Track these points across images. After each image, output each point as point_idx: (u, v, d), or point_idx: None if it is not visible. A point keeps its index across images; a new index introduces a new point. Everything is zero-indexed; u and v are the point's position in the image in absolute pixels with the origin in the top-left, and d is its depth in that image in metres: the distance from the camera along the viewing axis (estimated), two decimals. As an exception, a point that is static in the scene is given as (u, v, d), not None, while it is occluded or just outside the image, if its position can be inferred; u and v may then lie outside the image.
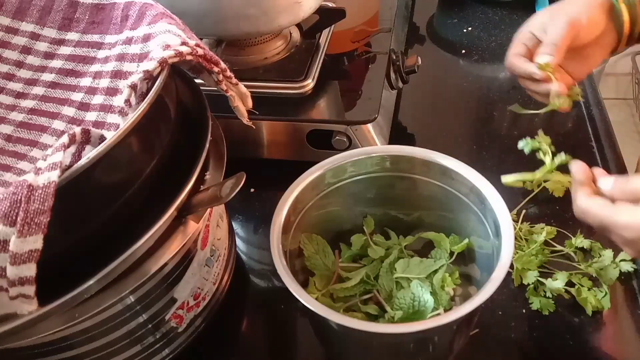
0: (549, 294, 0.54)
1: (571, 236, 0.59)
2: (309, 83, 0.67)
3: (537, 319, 0.53)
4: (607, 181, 0.45)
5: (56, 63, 0.48)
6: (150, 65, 0.37)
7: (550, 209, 0.62)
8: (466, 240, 0.51)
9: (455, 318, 0.39)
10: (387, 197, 0.55)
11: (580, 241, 0.58)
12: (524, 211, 0.61)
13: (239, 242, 0.62)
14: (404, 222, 0.56)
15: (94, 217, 0.36)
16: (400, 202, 0.55)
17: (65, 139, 0.32)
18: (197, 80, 0.48)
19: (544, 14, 0.58)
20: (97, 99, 0.45)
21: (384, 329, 0.41)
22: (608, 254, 0.56)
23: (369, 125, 0.64)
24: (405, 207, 0.55)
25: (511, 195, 0.64)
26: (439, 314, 0.47)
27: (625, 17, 0.55)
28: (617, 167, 0.67)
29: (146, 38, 0.43)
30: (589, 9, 0.55)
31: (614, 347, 0.51)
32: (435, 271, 0.51)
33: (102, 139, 0.34)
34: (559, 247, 0.58)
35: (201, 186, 0.43)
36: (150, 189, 0.40)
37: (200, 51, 0.40)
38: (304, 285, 0.52)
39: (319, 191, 0.52)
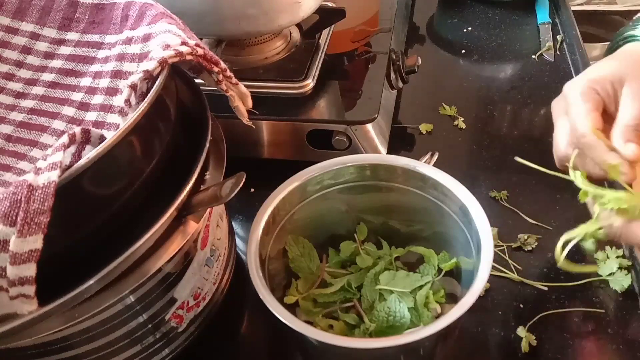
0: None
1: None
2: (309, 83, 0.67)
3: (538, 319, 0.53)
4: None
5: (56, 63, 0.48)
6: (150, 65, 0.37)
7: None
8: (454, 260, 0.51)
9: (409, 341, 0.39)
10: (385, 207, 0.54)
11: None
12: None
13: (239, 242, 0.62)
14: (401, 233, 0.56)
15: (94, 217, 0.36)
16: (398, 213, 0.55)
17: (65, 138, 0.32)
18: (197, 80, 0.48)
19: (605, 61, 0.46)
20: (97, 99, 0.45)
21: (336, 342, 0.40)
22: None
23: (369, 125, 0.64)
24: (402, 218, 0.55)
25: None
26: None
27: None
28: (617, 167, 0.67)
29: (146, 38, 0.43)
30: None
31: (614, 347, 0.51)
32: (421, 287, 0.50)
33: (102, 138, 0.34)
34: None
35: (201, 186, 0.43)
36: (150, 189, 0.40)
37: (200, 51, 0.40)
38: (289, 285, 0.52)
39: (312, 194, 0.52)
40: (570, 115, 0.44)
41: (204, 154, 0.42)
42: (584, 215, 0.62)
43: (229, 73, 0.44)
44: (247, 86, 0.46)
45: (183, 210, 0.40)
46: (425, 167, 0.50)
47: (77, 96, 0.46)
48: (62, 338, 0.39)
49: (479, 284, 0.41)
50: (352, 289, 0.52)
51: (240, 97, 0.46)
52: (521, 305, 0.54)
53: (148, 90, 0.38)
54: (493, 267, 0.53)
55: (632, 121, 0.42)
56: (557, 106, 0.47)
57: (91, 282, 0.34)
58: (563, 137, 0.45)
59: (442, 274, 0.51)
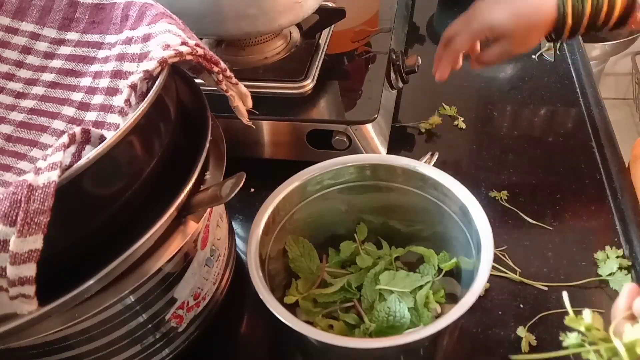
0: None
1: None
2: (309, 83, 0.67)
3: (538, 319, 0.53)
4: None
5: (56, 63, 0.48)
6: (150, 65, 0.37)
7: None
8: (454, 260, 0.51)
9: (409, 341, 0.39)
10: (385, 207, 0.54)
11: None
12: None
13: (239, 242, 0.62)
14: (401, 233, 0.56)
15: (94, 217, 0.36)
16: (398, 213, 0.55)
17: (65, 138, 0.32)
18: (197, 80, 0.48)
19: (503, 13, 0.58)
20: (97, 99, 0.45)
21: (336, 342, 0.40)
22: None
23: (369, 125, 0.64)
24: (402, 218, 0.55)
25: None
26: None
27: (569, 21, 0.56)
28: (617, 167, 0.67)
29: (146, 38, 0.43)
30: (537, 20, 0.56)
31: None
32: (421, 287, 0.50)
33: (102, 138, 0.34)
34: None
35: (201, 186, 0.43)
36: (150, 189, 0.40)
37: (200, 51, 0.40)
38: (289, 285, 0.52)
39: (312, 194, 0.52)
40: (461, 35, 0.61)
41: (204, 154, 0.42)
42: (582, 215, 0.62)
43: (229, 73, 0.43)
44: (247, 86, 0.46)
45: (183, 210, 0.40)
46: (425, 167, 0.50)
47: (77, 96, 0.46)
48: (62, 338, 0.39)
49: (479, 284, 0.41)
50: (352, 289, 0.52)
51: (240, 97, 0.46)
52: (521, 305, 0.54)
53: (148, 90, 0.38)
54: (493, 267, 0.53)
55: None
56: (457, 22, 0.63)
57: (91, 282, 0.34)
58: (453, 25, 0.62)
59: (442, 274, 0.51)
